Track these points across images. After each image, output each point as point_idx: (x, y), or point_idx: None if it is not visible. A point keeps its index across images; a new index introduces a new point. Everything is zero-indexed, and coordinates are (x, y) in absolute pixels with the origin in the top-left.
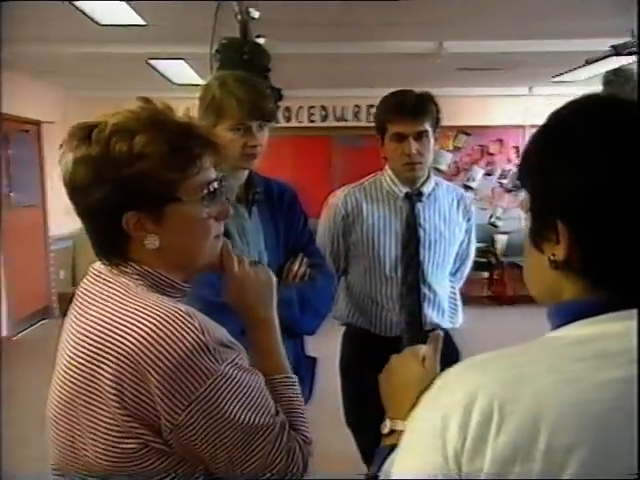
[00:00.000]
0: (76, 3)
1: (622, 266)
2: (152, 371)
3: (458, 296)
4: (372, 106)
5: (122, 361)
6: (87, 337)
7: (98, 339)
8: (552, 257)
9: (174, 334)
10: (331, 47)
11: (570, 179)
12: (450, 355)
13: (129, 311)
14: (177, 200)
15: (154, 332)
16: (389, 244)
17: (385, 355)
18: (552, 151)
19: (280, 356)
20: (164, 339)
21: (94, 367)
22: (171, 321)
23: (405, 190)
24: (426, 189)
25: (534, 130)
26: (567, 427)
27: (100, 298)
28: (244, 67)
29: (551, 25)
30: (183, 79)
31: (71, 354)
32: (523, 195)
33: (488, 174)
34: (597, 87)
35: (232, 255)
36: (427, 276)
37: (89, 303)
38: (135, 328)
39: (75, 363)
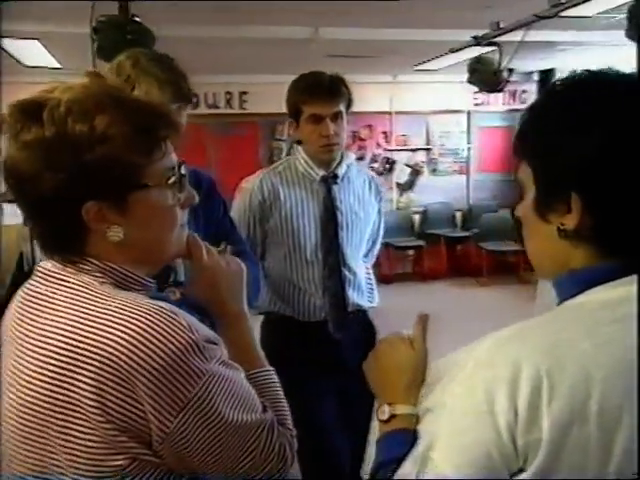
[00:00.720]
0: None
1: (633, 233)
2: (140, 376)
3: (372, 276)
4: (245, 93)
5: (103, 369)
6: (55, 346)
7: (71, 347)
8: (561, 226)
9: (161, 334)
10: (202, 31)
11: (584, 147)
12: (370, 334)
13: (105, 313)
14: (143, 187)
15: (139, 334)
16: (309, 228)
17: (310, 340)
18: (564, 120)
19: (256, 349)
20: (151, 340)
21: (68, 380)
22: (156, 320)
23: (321, 173)
24: (340, 171)
25: (400, 116)
26: (615, 387)
27: (59, 301)
28: (127, 48)
29: (418, 15)
30: (35, 61)
31: (34, 367)
32: (404, 177)
33: (360, 159)
34: (456, 75)
35: (200, 244)
36: (346, 258)
37: (44, 307)
38: (116, 331)
39: (42, 378)
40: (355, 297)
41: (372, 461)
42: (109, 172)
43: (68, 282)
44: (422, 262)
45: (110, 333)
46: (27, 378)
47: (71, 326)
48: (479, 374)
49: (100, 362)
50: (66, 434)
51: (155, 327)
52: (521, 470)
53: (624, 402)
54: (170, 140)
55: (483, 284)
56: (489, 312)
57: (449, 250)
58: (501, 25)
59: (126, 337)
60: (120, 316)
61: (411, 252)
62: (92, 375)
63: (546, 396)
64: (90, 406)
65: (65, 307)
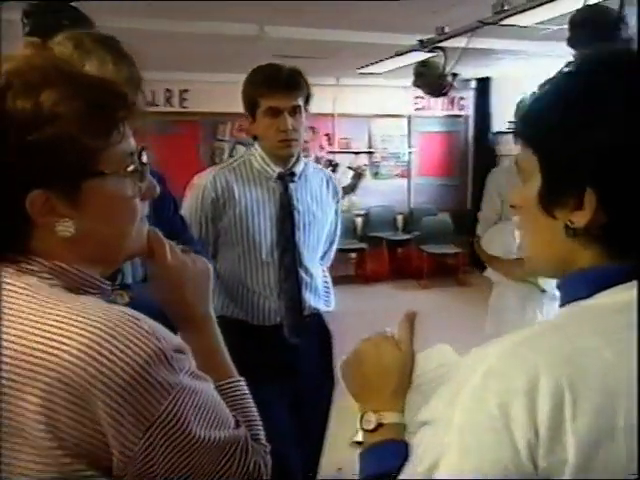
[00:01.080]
0: None
1: None
2: (98, 393)
3: (329, 278)
4: (186, 91)
5: (54, 387)
6: None
7: (15, 362)
8: (570, 224)
9: (124, 343)
10: (140, 23)
11: (604, 140)
12: (326, 338)
13: (56, 320)
14: (99, 174)
15: (97, 343)
16: (264, 227)
17: (264, 345)
18: (580, 110)
19: (225, 357)
20: (111, 351)
21: (12, 400)
22: (117, 327)
23: (278, 170)
24: (298, 169)
25: (343, 119)
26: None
27: (2, 308)
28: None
29: (364, 17)
30: None
31: None
32: (346, 180)
33: None
34: (397, 80)
35: (164, 241)
36: (303, 259)
37: None
38: (69, 341)
39: None
40: (312, 300)
41: (358, 473)
42: (59, 156)
43: (10, 285)
44: (364, 265)
45: (62, 344)
46: None
47: (15, 336)
48: (491, 385)
49: (50, 378)
50: (8, 464)
51: (116, 335)
52: None
53: None
54: (129, 123)
55: (424, 286)
56: (431, 314)
57: (391, 253)
58: (446, 30)
59: (82, 348)
60: (74, 323)
61: (354, 255)
62: (40, 394)
63: (570, 412)
64: (39, 430)
65: (8, 315)
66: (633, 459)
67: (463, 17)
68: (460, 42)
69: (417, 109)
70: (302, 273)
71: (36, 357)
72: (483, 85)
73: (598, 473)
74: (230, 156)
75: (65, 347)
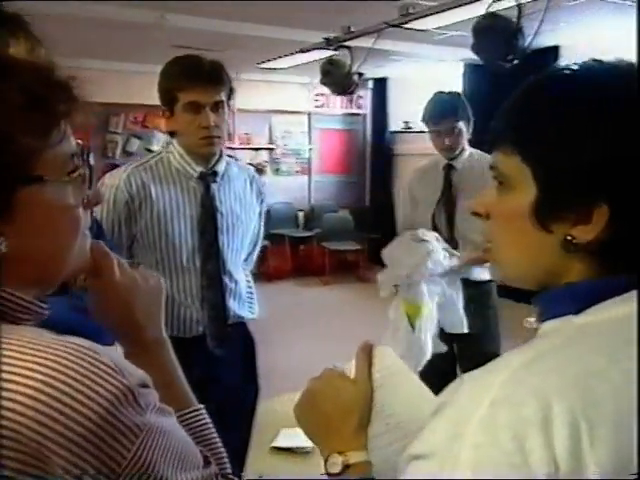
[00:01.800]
0: None
1: None
2: (57, 448)
3: (252, 282)
4: (73, 78)
5: (3, 446)
6: None
7: None
8: (572, 239)
9: (85, 384)
10: (28, 3)
11: (621, 152)
12: (251, 348)
13: None
14: (36, 180)
15: (51, 386)
16: (184, 231)
17: (186, 358)
18: (593, 121)
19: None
20: (70, 394)
21: None
22: (75, 365)
23: (199, 169)
24: (220, 168)
25: (243, 114)
26: None
27: None
28: None
29: (268, 11)
30: None
31: None
32: None
33: None
34: (298, 76)
35: (110, 256)
36: (227, 265)
37: None
38: (16, 386)
39: None
40: (236, 308)
41: None
42: None
43: None
44: (267, 262)
45: (7, 390)
46: None
47: None
48: (500, 416)
49: None
50: None
51: (73, 375)
52: None
53: None
54: (70, 120)
55: (326, 283)
56: (334, 310)
57: (293, 250)
58: (352, 29)
59: (31, 393)
60: (18, 364)
61: None
62: None
63: (587, 441)
64: None
65: None
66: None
67: (366, 18)
68: (361, 42)
69: (317, 106)
70: (226, 280)
71: None
72: (380, 85)
73: None
74: (124, 151)
75: (10, 395)
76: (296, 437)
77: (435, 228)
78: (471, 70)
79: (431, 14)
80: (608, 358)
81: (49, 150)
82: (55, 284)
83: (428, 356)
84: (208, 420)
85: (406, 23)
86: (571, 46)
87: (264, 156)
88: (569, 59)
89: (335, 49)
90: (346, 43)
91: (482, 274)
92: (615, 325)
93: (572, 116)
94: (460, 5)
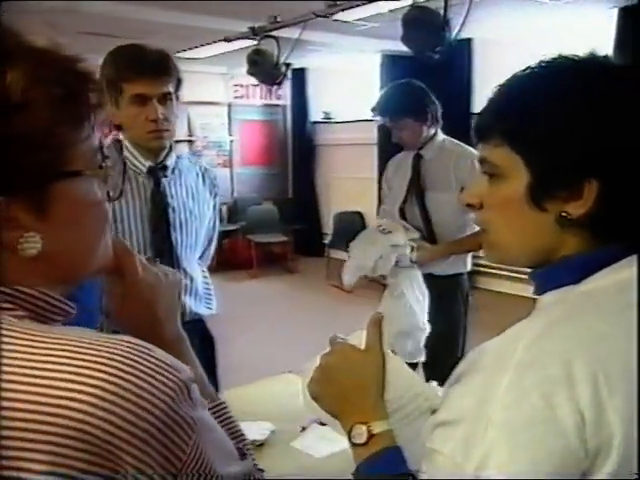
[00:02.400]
0: None
1: (632, 218)
2: (124, 445)
3: (209, 279)
4: None
5: (65, 446)
6: None
7: (4, 422)
8: (566, 214)
9: (146, 380)
10: None
11: (619, 134)
12: (210, 345)
13: (55, 363)
14: (72, 174)
15: (115, 385)
16: (135, 228)
17: None
18: (593, 105)
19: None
20: (134, 392)
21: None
22: (134, 362)
23: (148, 164)
24: (170, 162)
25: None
26: None
27: None
28: None
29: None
30: None
31: None
32: None
33: None
34: (216, 67)
35: (133, 253)
36: (181, 261)
37: None
38: (81, 387)
39: None
40: (193, 305)
41: None
42: (28, 154)
43: None
44: None
45: (71, 391)
46: None
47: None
48: (527, 378)
49: (59, 437)
50: None
51: (134, 372)
52: (589, 472)
53: None
54: (98, 113)
55: (254, 276)
56: (265, 302)
57: (218, 244)
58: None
59: (97, 393)
60: (81, 364)
61: None
62: (48, 459)
63: (606, 389)
64: None
65: None
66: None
67: (297, 7)
68: (284, 32)
69: (236, 97)
70: (181, 277)
71: (35, 413)
72: (299, 76)
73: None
74: None
75: (75, 395)
76: (250, 430)
77: (404, 218)
78: (389, 61)
79: (358, 5)
80: (611, 321)
81: (81, 144)
82: (78, 283)
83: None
84: (231, 412)
85: (334, 14)
86: (484, 39)
87: (184, 148)
88: (482, 51)
89: (261, 39)
90: (272, 33)
91: (449, 268)
92: (617, 290)
93: (556, 103)
94: None
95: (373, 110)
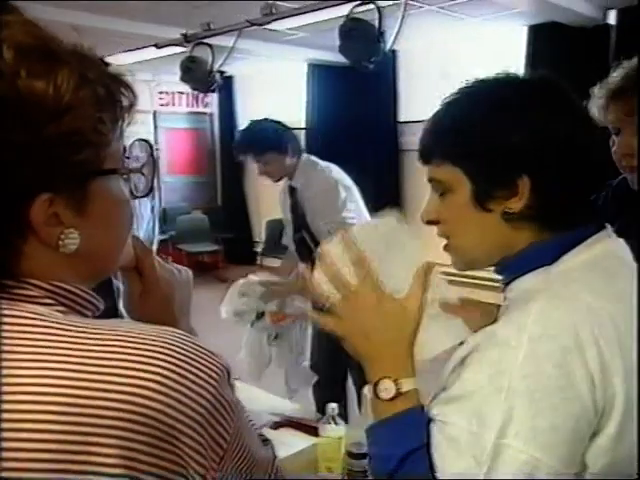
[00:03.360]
0: None
1: (570, 204)
2: (184, 427)
3: None
4: None
5: (134, 430)
6: (47, 412)
7: (74, 408)
8: (509, 210)
9: (196, 367)
10: None
11: (537, 135)
12: None
13: (112, 354)
14: (109, 172)
15: (173, 372)
16: None
17: None
18: (511, 114)
19: None
20: (188, 377)
21: (80, 454)
22: (183, 350)
23: None
24: None
25: None
26: (635, 336)
27: (19, 346)
28: None
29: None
30: None
31: (19, 445)
32: None
33: None
34: (140, 73)
35: (151, 250)
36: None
37: None
38: (140, 373)
39: (39, 456)
40: (124, 313)
41: (379, 448)
42: (73, 152)
43: (12, 318)
44: None
45: (133, 377)
46: (10, 465)
47: (63, 378)
48: (541, 349)
49: (125, 421)
50: None
51: (186, 360)
52: (593, 435)
53: None
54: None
55: None
56: (199, 311)
57: None
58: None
59: (159, 379)
60: (137, 352)
61: None
62: (118, 442)
63: (608, 355)
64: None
65: (35, 355)
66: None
67: (221, 15)
68: (216, 40)
69: (162, 105)
70: (117, 282)
71: (100, 400)
72: (227, 83)
73: (632, 399)
74: None
75: (139, 382)
76: None
77: (302, 247)
78: (316, 71)
79: (294, 15)
80: (592, 295)
81: (115, 143)
82: (101, 279)
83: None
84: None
85: (270, 23)
86: (407, 50)
87: None
88: (406, 63)
89: (194, 46)
90: (206, 40)
91: None
92: (585, 269)
93: (479, 120)
94: (323, 8)
95: (235, 149)
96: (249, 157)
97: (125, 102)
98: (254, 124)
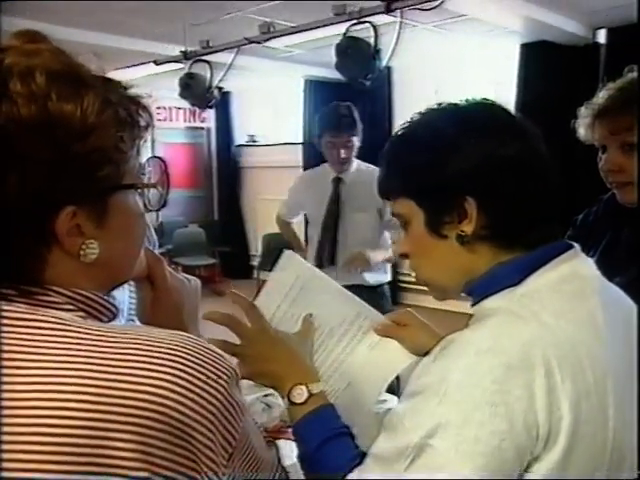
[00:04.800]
0: None
1: (524, 223)
2: (197, 425)
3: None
4: None
5: (151, 427)
6: (66, 409)
7: (94, 408)
8: (462, 233)
9: (207, 368)
10: None
11: (474, 158)
12: None
13: (127, 355)
14: (127, 187)
15: (185, 372)
16: None
17: None
18: (442, 139)
19: None
20: (200, 378)
21: (98, 454)
22: (195, 352)
23: None
24: None
25: None
26: (597, 358)
27: (40, 349)
28: None
29: (118, 20)
30: None
31: (38, 447)
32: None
33: None
34: (139, 88)
35: (162, 260)
36: None
37: (14, 362)
38: (154, 374)
39: (57, 458)
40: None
41: (303, 443)
42: (97, 168)
43: (36, 322)
44: None
45: (148, 378)
46: (30, 466)
47: (85, 378)
48: (484, 362)
49: (142, 419)
50: None
51: (197, 361)
52: (536, 459)
53: (607, 368)
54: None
55: None
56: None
57: None
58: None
59: (172, 379)
60: (150, 354)
61: None
62: (133, 438)
63: (559, 377)
64: (135, 478)
65: (57, 356)
66: (607, 412)
67: (228, 33)
68: (214, 57)
69: (159, 119)
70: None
71: (118, 398)
72: (223, 99)
73: (583, 423)
74: None
75: (155, 382)
76: None
77: (328, 239)
78: (312, 86)
79: (290, 33)
80: (556, 312)
81: (133, 160)
82: (119, 285)
83: None
84: None
85: (267, 40)
86: (403, 67)
87: None
88: (402, 79)
89: (193, 63)
90: (206, 57)
91: (375, 278)
92: (550, 289)
93: (424, 147)
94: (319, 27)
95: (342, 126)
96: (342, 136)
97: (142, 122)
98: (347, 107)
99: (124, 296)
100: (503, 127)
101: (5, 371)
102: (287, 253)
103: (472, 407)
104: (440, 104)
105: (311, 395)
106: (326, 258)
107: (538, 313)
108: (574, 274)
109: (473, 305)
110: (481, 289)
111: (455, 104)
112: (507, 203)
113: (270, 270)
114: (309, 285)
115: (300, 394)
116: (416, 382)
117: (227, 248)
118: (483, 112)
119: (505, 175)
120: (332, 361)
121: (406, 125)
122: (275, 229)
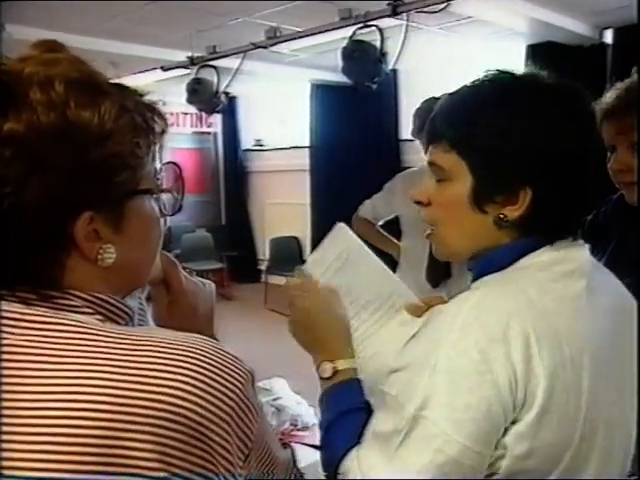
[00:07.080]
0: None
1: (564, 222)
2: (214, 427)
3: (145, 306)
4: None
5: (167, 428)
6: (84, 410)
7: (112, 409)
8: (502, 216)
9: (223, 370)
10: None
11: (550, 154)
12: None
13: (145, 356)
14: (144, 192)
15: (202, 374)
16: None
17: None
18: (528, 118)
19: None
20: (216, 379)
21: (117, 455)
22: (211, 354)
23: None
24: None
25: None
26: (576, 334)
27: (60, 351)
28: None
29: (123, 27)
30: None
31: (56, 447)
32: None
33: None
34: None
35: (177, 264)
36: None
37: (35, 364)
38: (172, 376)
39: (77, 459)
40: None
41: (323, 413)
42: (114, 174)
43: (56, 325)
44: None
45: (165, 379)
46: (49, 465)
47: (104, 379)
48: (470, 335)
49: (159, 419)
50: None
51: (213, 363)
52: (514, 422)
53: (584, 345)
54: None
55: None
56: None
57: None
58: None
59: (189, 381)
60: (167, 356)
61: None
62: (151, 439)
63: (536, 347)
64: (153, 478)
65: (77, 358)
66: (581, 386)
67: (225, 38)
68: (220, 62)
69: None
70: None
71: (136, 399)
72: (230, 104)
73: (558, 392)
74: None
75: (172, 383)
76: None
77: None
78: (318, 90)
79: (296, 38)
80: (539, 290)
81: (149, 165)
82: (133, 291)
83: None
84: None
85: (274, 45)
86: (410, 70)
87: None
88: (408, 82)
89: (199, 68)
90: (213, 63)
91: None
92: (538, 268)
93: (500, 116)
94: (325, 31)
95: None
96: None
97: (158, 128)
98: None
99: (134, 306)
100: (583, 118)
101: (27, 373)
102: (339, 225)
103: (461, 376)
104: (518, 73)
105: (337, 372)
106: (442, 271)
107: (524, 286)
108: (565, 257)
109: (472, 282)
110: (480, 268)
111: (536, 77)
112: (559, 204)
113: (278, 274)
114: (353, 257)
115: (326, 370)
116: (406, 354)
117: (235, 252)
118: (569, 95)
119: (570, 177)
120: (364, 330)
121: (486, 79)
122: (282, 233)
